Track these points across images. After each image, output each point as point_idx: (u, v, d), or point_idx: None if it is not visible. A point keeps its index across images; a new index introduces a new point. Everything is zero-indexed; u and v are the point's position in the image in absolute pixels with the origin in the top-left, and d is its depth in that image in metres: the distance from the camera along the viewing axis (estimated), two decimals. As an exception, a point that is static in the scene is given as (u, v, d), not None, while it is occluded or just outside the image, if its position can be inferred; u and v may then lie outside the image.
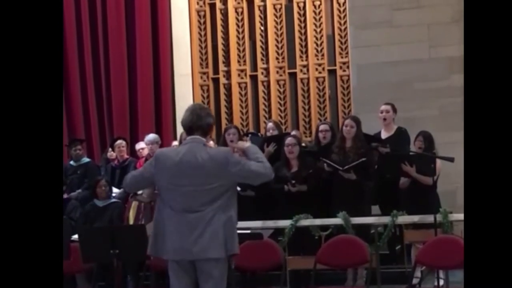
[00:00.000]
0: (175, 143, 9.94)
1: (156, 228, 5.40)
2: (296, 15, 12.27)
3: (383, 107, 9.29)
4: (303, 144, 9.42)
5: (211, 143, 10.34)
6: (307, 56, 12.23)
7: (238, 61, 12.49)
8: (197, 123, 5.38)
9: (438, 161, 8.51)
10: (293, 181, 8.57)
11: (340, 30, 12.04)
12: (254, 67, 12.48)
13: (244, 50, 12.47)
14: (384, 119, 9.24)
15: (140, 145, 10.71)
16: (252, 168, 5.34)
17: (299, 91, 12.29)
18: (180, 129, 9.48)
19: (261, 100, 12.42)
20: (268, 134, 9.96)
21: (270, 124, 10.24)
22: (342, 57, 12.05)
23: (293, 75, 12.35)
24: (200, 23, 12.68)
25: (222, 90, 12.59)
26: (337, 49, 12.11)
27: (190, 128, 5.42)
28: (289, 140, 8.89)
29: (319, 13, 12.17)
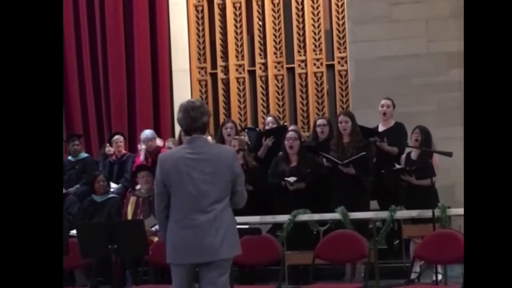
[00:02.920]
0: (169, 143, 9.90)
1: (169, 236, 5.37)
2: (294, 10, 12.25)
3: (384, 102, 9.30)
4: (302, 140, 9.42)
5: (209, 138, 10.36)
6: (305, 51, 12.22)
7: (236, 56, 12.48)
8: (193, 126, 5.35)
9: (437, 158, 8.52)
10: (292, 180, 8.58)
11: (338, 25, 12.03)
12: (252, 62, 12.47)
13: (242, 45, 12.46)
14: (384, 114, 9.26)
15: (142, 146, 10.60)
16: (243, 188, 5.42)
17: (297, 86, 12.29)
18: (178, 125, 9.46)
19: (259, 95, 12.41)
20: (267, 127, 9.96)
21: (269, 118, 10.26)
22: (340, 52, 12.05)
23: (291, 70, 12.34)
24: (198, 18, 12.66)
25: (220, 85, 12.58)
26: (335, 44, 12.10)
27: (187, 131, 5.43)
28: (290, 134, 8.90)
29: (317, 8, 12.16)
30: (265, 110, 12.28)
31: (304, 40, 12.20)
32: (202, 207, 5.23)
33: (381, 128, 9.28)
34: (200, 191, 5.24)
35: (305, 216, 8.38)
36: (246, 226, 7.32)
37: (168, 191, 5.32)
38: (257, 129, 11.00)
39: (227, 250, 5.27)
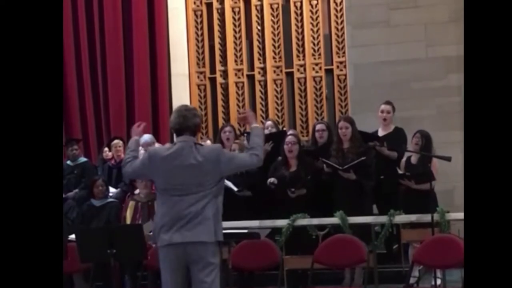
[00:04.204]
0: (168, 145, 9.87)
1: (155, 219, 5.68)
2: (293, 15, 12.26)
3: (384, 107, 9.26)
4: (301, 144, 9.41)
5: (208, 142, 10.35)
6: (304, 56, 12.22)
7: (235, 61, 12.48)
8: (184, 124, 5.58)
9: (436, 162, 8.52)
10: (293, 189, 8.57)
11: (337, 29, 12.04)
12: (251, 66, 12.48)
13: (241, 49, 12.46)
14: (384, 119, 9.24)
15: (141, 150, 10.60)
16: (240, 162, 5.68)
17: (296, 91, 12.29)
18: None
19: (258, 100, 12.41)
20: (267, 132, 9.95)
21: (268, 122, 10.25)
22: (339, 57, 12.05)
23: (290, 75, 12.35)
24: (197, 22, 12.66)
25: (219, 90, 12.58)
26: (334, 49, 12.10)
27: (178, 130, 5.63)
28: (289, 138, 8.90)
29: (316, 12, 12.17)
30: (264, 115, 12.28)
31: (303, 45, 12.20)
32: (182, 195, 5.47)
33: (381, 133, 9.27)
34: (180, 193, 5.49)
35: (304, 221, 8.37)
36: (245, 231, 7.31)
37: (145, 174, 5.87)
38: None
39: (206, 233, 5.44)
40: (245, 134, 10.52)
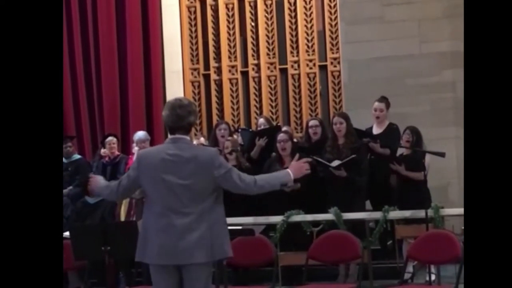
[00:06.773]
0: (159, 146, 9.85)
1: (142, 233, 5.27)
2: (287, 11, 12.26)
3: (377, 105, 9.21)
4: (295, 140, 9.41)
5: (202, 139, 10.34)
6: (298, 52, 12.23)
7: (229, 57, 12.48)
8: (178, 123, 5.22)
9: (427, 157, 8.53)
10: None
11: (331, 25, 12.04)
12: (245, 63, 12.48)
13: (235, 46, 12.46)
14: (377, 117, 9.21)
15: (135, 147, 10.59)
16: (235, 179, 5.21)
17: (290, 87, 12.30)
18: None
19: (252, 96, 12.42)
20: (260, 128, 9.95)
21: (261, 120, 10.25)
22: (333, 53, 12.06)
23: (284, 71, 12.35)
24: (190, 19, 12.66)
25: (213, 86, 12.58)
26: (328, 45, 12.11)
27: (171, 128, 5.28)
28: (281, 136, 8.89)
29: (310, 8, 12.17)
30: (258, 111, 12.28)
31: (296, 41, 12.21)
32: (176, 209, 5.12)
33: (375, 129, 9.26)
34: (174, 193, 5.12)
35: (299, 217, 8.37)
36: (240, 227, 7.30)
37: (136, 184, 5.28)
38: (250, 129, 10.99)
39: (203, 254, 5.11)
40: (239, 131, 10.53)
